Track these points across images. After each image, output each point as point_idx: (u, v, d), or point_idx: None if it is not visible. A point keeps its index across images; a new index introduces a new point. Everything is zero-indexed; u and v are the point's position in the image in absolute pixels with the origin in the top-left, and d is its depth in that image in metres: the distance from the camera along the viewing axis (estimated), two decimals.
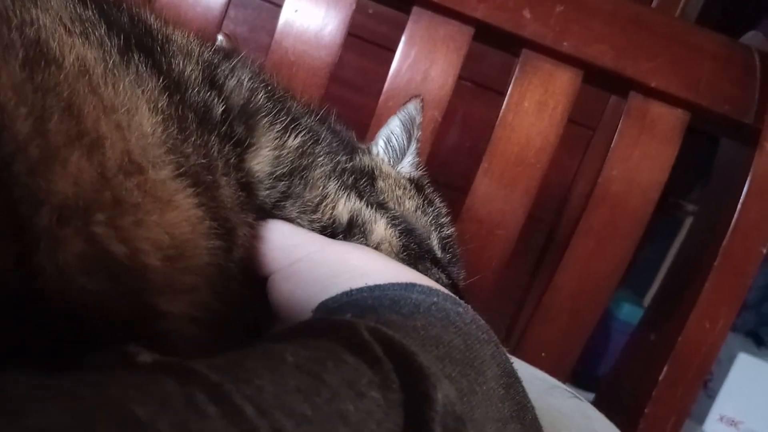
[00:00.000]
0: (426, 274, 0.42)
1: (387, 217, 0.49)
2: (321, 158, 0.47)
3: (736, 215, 0.75)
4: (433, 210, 0.56)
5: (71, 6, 0.36)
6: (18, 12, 0.31)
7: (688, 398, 0.78)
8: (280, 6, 0.76)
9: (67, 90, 0.31)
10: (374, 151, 0.59)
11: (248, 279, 0.41)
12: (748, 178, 0.76)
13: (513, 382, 0.33)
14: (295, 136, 0.46)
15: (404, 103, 0.61)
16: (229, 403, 0.20)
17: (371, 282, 0.37)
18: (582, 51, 0.76)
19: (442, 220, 0.56)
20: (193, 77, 0.41)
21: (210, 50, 0.46)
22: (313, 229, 0.44)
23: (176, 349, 0.34)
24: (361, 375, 0.25)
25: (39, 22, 0.32)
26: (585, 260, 0.81)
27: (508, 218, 0.79)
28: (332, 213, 0.46)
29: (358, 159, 0.54)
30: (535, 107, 0.78)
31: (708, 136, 1.01)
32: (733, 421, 1.44)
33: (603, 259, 0.81)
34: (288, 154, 0.45)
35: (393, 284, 0.36)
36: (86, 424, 0.18)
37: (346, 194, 0.47)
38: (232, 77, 0.44)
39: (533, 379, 0.62)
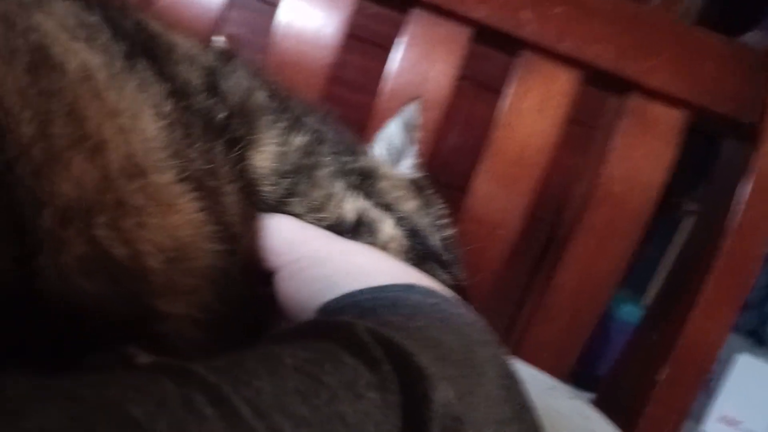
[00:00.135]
0: (431, 274, 0.42)
1: (394, 218, 0.49)
2: (326, 158, 0.48)
3: (737, 215, 0.75)
4: (434, 211, 0.56)
5: (76, 11, 0.36)
6: (23, 17, 0.31)
7: (688, 398, 0.78)
8: None
9: (71, 94, 0.31)
10: (375, 152, 0.60)
11: (249, 279, 0.41)
12: (749, 178, 0.76)
13: (513, 383, 0.33)
14: (300, 135, 0.46)
15: (404, 105, 0.61)
16: (227, 405, 0.21)
17: (374, 283, 0.37)
18: (582, 51, 0.76)
19: (442, 221, 0.57)
20: (198, 83, 0.41)
21: (213, 54, 0.46)
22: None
23: (176, 349, 0.34)
24: (360, 376, 0.25)
25: (43, 28, 0.32)
26: (585, 260, 0.81)
27: (508, 218, 0.79)
28: (339, 212, 0.46)
29: (360, 160, 0.54)
30: (535, 107, 0.78)
31: (708, 136, 1.01)
32: (733, 421, 1.44)
33: (603, 259, 0.81)
34: (293, 151, 0.45)
35: (394, 285, 0.37)
36: (85, 424, 0.18)
37: (352, 194, 0.47)
38: (234, 79, 0.45)
39: (533, 379, 0.62)
